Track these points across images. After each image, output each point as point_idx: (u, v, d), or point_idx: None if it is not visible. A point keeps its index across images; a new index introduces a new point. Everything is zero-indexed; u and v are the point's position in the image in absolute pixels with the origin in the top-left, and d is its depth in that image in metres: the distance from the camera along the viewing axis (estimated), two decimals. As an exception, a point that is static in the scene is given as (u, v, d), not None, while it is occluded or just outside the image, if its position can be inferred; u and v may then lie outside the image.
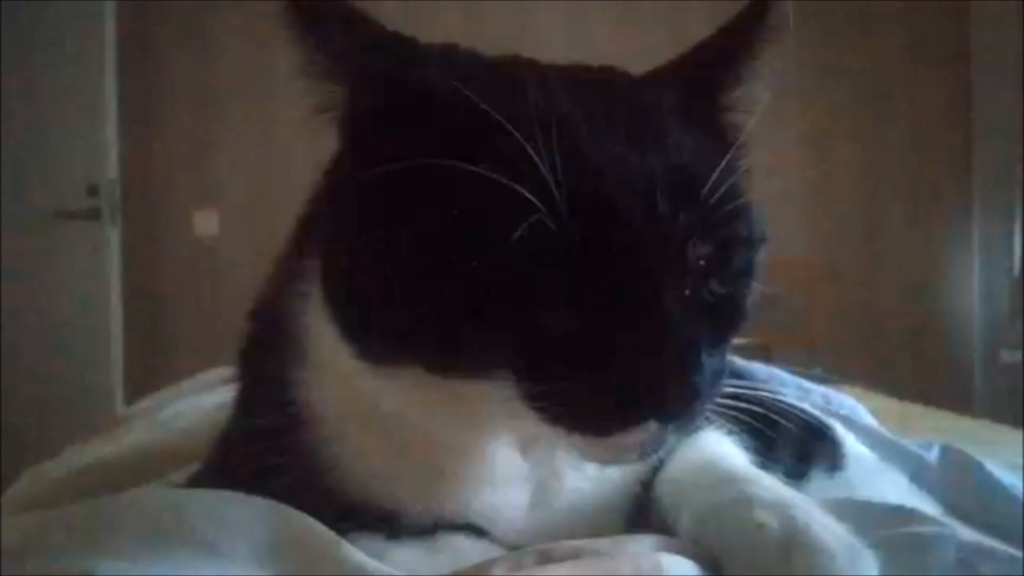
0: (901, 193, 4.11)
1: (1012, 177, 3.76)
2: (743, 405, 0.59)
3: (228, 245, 3.76)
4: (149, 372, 3.14)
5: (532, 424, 0.51)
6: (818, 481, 0.75)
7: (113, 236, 3.41)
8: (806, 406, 0.95)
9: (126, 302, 3.49)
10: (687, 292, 0.51)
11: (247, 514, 0.52)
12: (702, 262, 0.52)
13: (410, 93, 0.53)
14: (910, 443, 0.93)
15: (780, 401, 0.70)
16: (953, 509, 0.75)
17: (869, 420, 1.14)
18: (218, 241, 3.83)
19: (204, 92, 3.86)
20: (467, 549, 0.57)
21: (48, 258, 3.34)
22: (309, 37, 0.54)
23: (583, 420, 0.50)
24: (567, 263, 0.48)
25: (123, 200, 3.47)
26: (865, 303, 4.05)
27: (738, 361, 0.87)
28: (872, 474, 0.83)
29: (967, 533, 0.59)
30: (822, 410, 1.01)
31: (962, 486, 0.80)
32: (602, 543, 0.53)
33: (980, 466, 0.82)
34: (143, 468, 0.91)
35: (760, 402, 0.61)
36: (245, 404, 0.68)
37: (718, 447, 0.64)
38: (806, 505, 0.52)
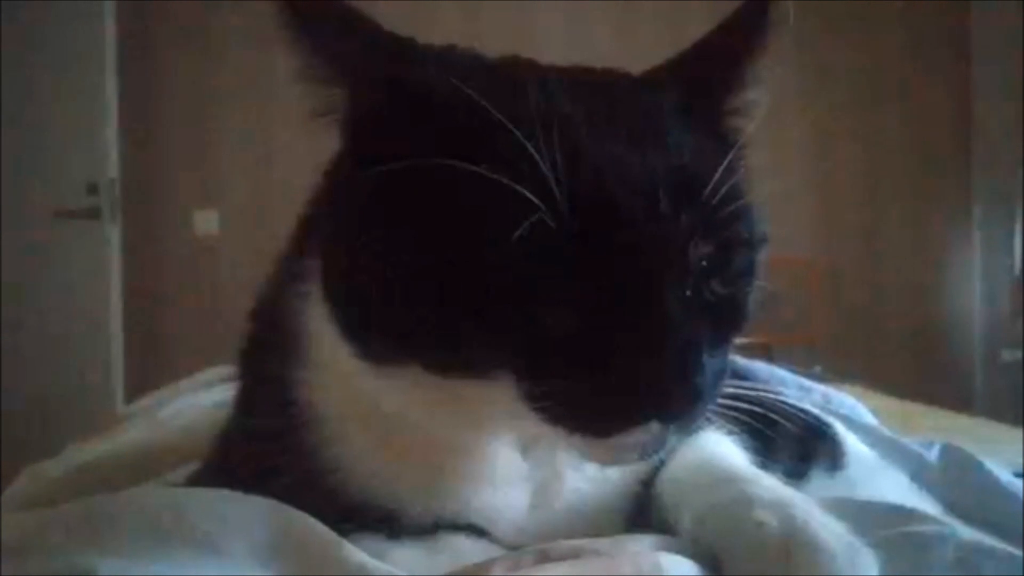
0: (901, 193, 4.11)
1: (1012, 177, 3.76)
2: (744, 406, 0.58)
3: (228, 245, 3.77)
4: (149, 371, 3.14)
5: (533, 424, 0.51)
6: (818, 480, 0.75)
7: (113, 235, 3.42)
8: (806, 405, 0.95)
9: (126, 301, 3.49)
10: (688, 293, 0.51)
11: (247, 513, 0.51)
12: (704, 263, 0.52)
13: (410, 94, 0.53)
14: (910, 442, 0.93)
15: (780, 401, 0.70)
16: (953, 508, 0.75)
17: (869, 419, 1.14)
18: (218, 240, 3.83)
19: (204, 92, 3.86)
20: (467, 549, 0.57)
21: (48, 257, 3.34)
22: (305, 39, 0.53)
23: (584, 421, 0.50)
24: (568, 263, 0.48)
25: (123, 199, 3.47)
26: (865, 302, 4.06)
27: (739, 360, 0.87)
28: (872, 473, 0.83)
29: (967, 532, 0.59)
30: (822, 409, 1.01)
31: (962, 485, 0.80)
32: (602, 543, 0.53)
33: (980, 465, 0.82)
34: (143, 467, 0.91)
35: (760, 402, 0.61)
36: (245, 404, 0.68)
37: (718, 447, 0.63)
38: (806, 504, 0.52)
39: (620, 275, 0.49)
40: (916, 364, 3.96)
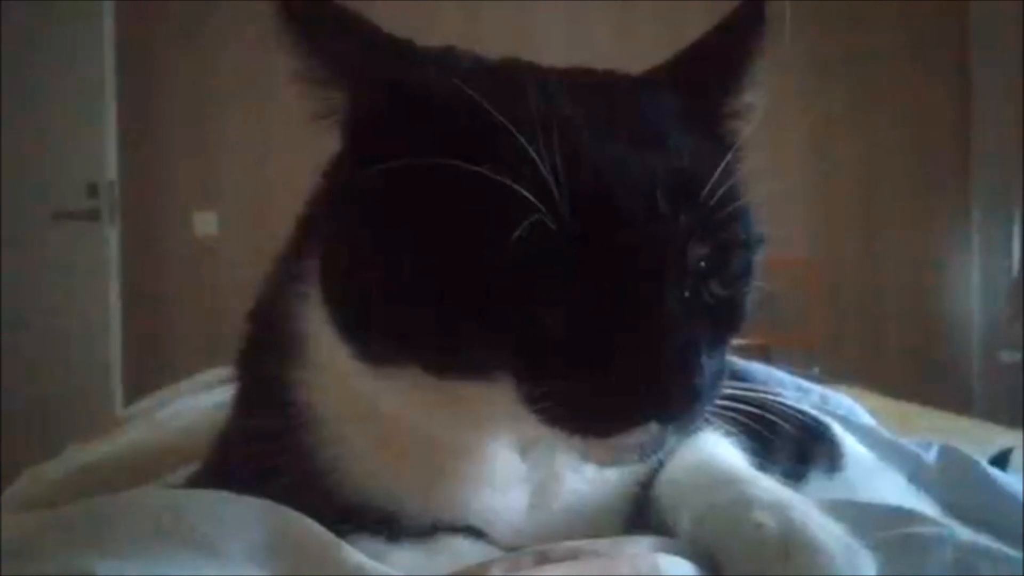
0: (900, 194, 4.11)
1: (1011, 178, 3.76)
2: (742, 407, 0.59)
3: (227, 246, 3.76)
4: (148, 372, 3.13)
5: (532, 426, 0.51)
6: (817, 482, 0.75)
7: (112, 237, 3.42)
8: (805, 407, 0.95)
9: (125, 302, 3.49)
10: (687, 294, 0.51)
11: (246, 515, 0.52)
12: (702, 263, 0.52)
13: (409, 95, 0.53)
14: (909, 443, 0.93)
15: (779, 402, 0.70)
16: (951, 509, 0.75)
17: (868, 420, 1.14)
18: (217, 242, 3.83)
19: (203, 93, 3.86)
20: (466, 550, 0.57)
21: (47, 259, 3.34)
22: (304, 41, 0.53)
23: (583, 421, 0.50)
24: (567, 264, 0.48)
25: (122, 201, 3.47)
26: (864, 304, 4.06)
27: (737, 362, 0.87)
28: (871, 474, 0.83)
29: (965, 533, 0.59)
30: (821, 411, 1.01)
31: (960, 486, 0.80)
32: (600, 544, 0.53)
33: (978, 466, 0.82)
34: (142, 468, 0.91)
35: (759, 403, 0.61)
36: (244, 405, 0.68)
37: (717, 448, 0.64)
38: (804, 506, 0.53)
39: (619, 276, 0.49)
40: (914, 365, 3.96)
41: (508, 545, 0.59)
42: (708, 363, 0.51)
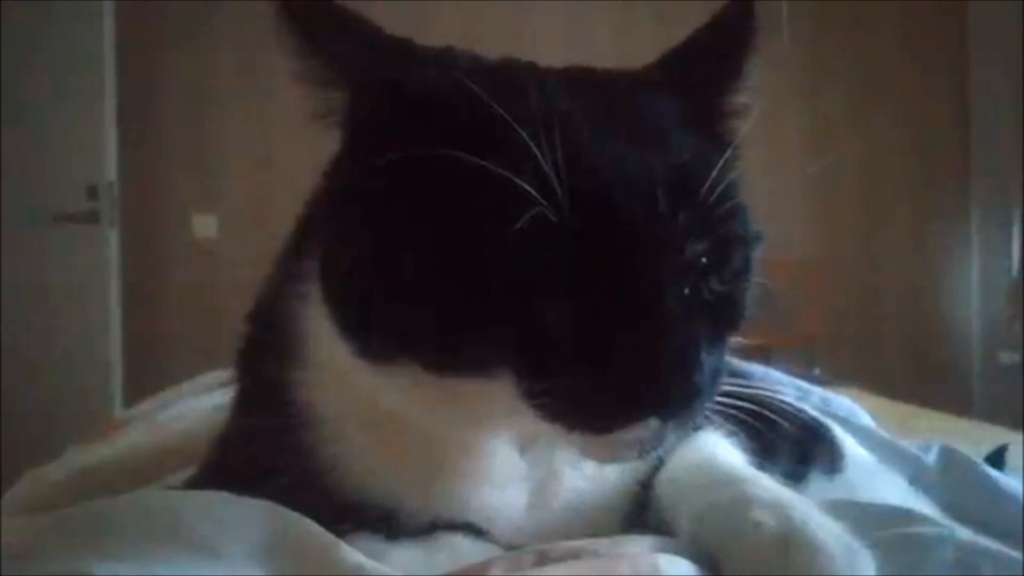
0: (900, 195, 4.11)
1: (1011, 179, 3.76)
2: (742, 404, 0.59)
3: (227, 247, 3.76)
4: (148, 374, 3.14)
5: (531, 422, 0.51)
6: (817, 483, 0.75)
7: (112, 239, 3.42)
8: (805, 408, 0.95)
9: (125, 304, 3.49)
10: (687, 291, 0.51)
11: (245, 516, 0.52)
12: (702, 260, 0.52)
13: (409, 94, 0.53)
14: (909, 445, 0.93)
15: (779, 403, 0.70)
16: (951, 510, 0.75)
17: (868, 422, 1.14)
18: (217, 243, 3.83)
19: (203, 95, 3.86)
20: (465, 549, 0.57)
21: (47, 260, 3.34)
22: (304, 41, 0.54)
23: (583, 418, 0.50)
24: (568, 260, 0.48)
25: (122, 203, 3.47)
26: (864, 305, 4.06)
27: (736, 363, 0.88)
28: (871, 476, 0.83)
29: (966, 533, 0.59)
30: (820, 412, 1.01)
31: (961, 487, 0.80)
32: (600, 543, 0.53)
33: (978, 467, 0.82)
34: (143, 470, 0.91)
35: (759, 401, 0.61)
36: (244, 405, 0.68)
37: (716, 448, 0.64)
38: (804, 505, 0.53)
39: (619, 273, 0.49)
40: (914, 366, 3.96)
41: (508, 543, 0.59)
42: (708, 360, 0.51)
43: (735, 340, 0.58)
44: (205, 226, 3.85)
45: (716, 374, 0.54)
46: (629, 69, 0.64)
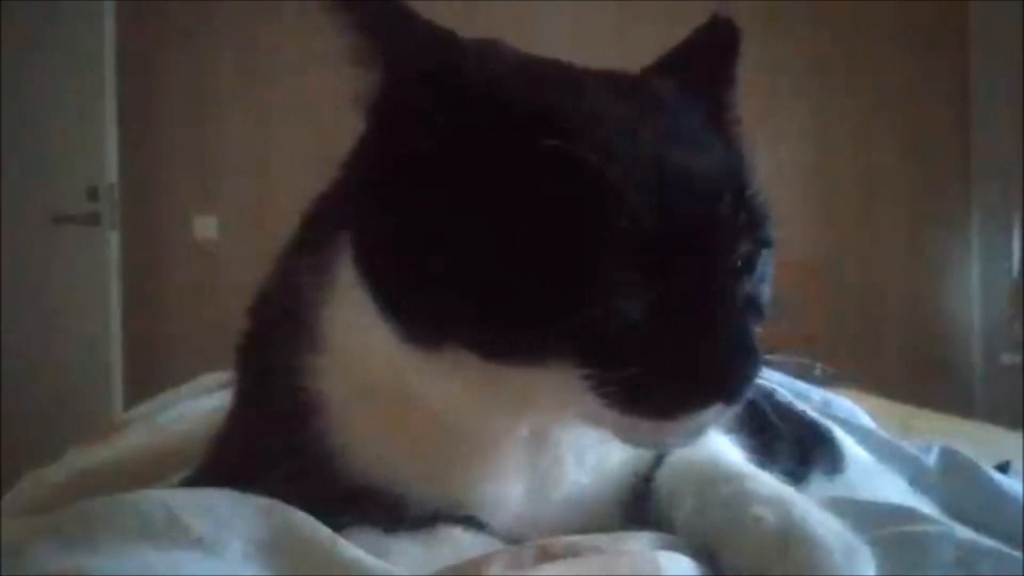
0: (900, 195, 4.11)
1: (1011, 180, 3.76)
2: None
3: (227, 249, 3.77)
4: (148, 376, 3.14)
5: (582, 409, 0.52)
6: (817, 484, 0.75)
7: (112, 240, 3.41)
8: (805, 409, 0.95)
9: (125, 306, 3.49)
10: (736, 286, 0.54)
11: (241, 513, 0.51)
12: (738, 262, 0.54)
13: (468, 83, 0.55)
14: (909, 446, 0.93)
15: (779, 403, 0.70)
16: (951, 511, 0.75)
17: (868, 423, 1.14)
18: (217, 245, 3.83)
19: (203, 94, 3.86)
20: (465, 542, 0.57)
21: (48, 262, 3.34)
22: (353, 19, 0.56)
23: (654, 405, 0.51)
24: (645, 253, 0.50)
25: (122, 204, 3.47)
26: (864, 306, 4.06)
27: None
28: (871, 476, 0.83)
29: (966, 533, 0.59)
30: (821, 413, 1.01)
31: (961, 488, 0.80)
32: (600, 539, 0.53)
33: (979, 468, 0.82)
34: (143, 472, 0.91)
35: (759, 402, 0.61)
36: (247, 396, 0.67)
37: (716, 444, 0.64)
38: (803, 501, 0.53)
39: (693, 267, 0.51)
40: (915, 367, 3.95)
41: (507, 534, 0.59)
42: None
43: None
44: (205, 227, 3.85)
45: None
46: (636, 73, 0.65)
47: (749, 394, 0.53)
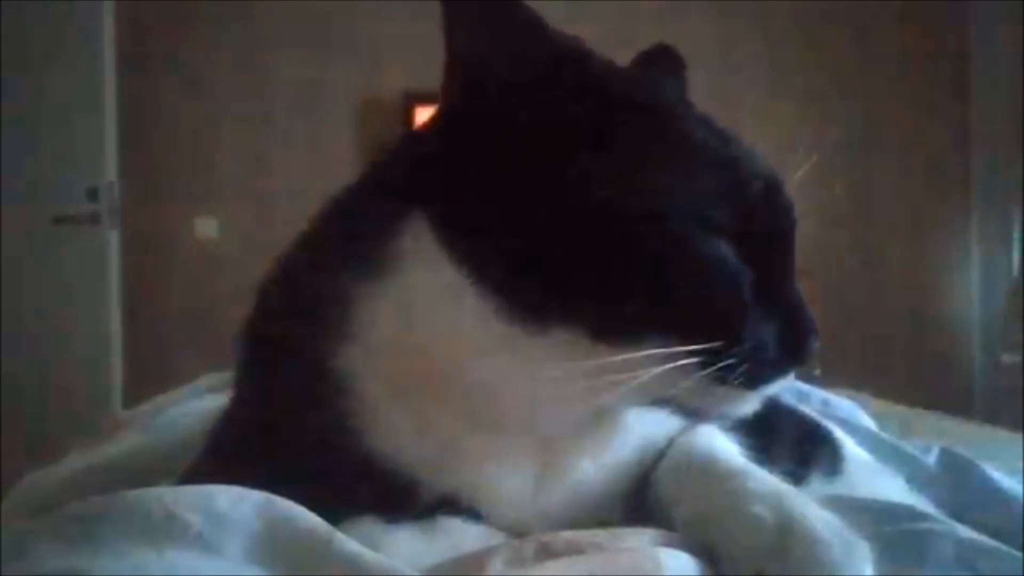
0: (901, 194, 4.11)
1: (1011, 179, 3.76)
2: None
3: (227, 250, 3.77)
4: (149, 376, 3.14)
5: (685, 385, 0.55)
6: (817, 484, 0.75)
7: (112, 240, 3.42)
8: (806, 410, 0.95)
9: (125, 306, 3.49)
10: None
11: (240, 509, 0.51)
12: None
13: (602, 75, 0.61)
14: (909, 446, 0.93)
15: (780, 404, 0.70)
16: (952, 511, 0.75)
17: (868, 423, 1.14)
18: (217, 246, 3.83)
19: (204, 95, 3.87)
20: (465, 533, 0.57)
21: (48, 262, 3.35)
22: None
23: (755, 374, 0.57)
24: (752, 238, 0.58)
25: (122, 204, 3.47)
26: (864, 305, 4.05)
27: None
28: (871, 477, 0.83)
29: (965, 531, 0.59)
30: (821, 413, 1.01)
31: (961, 489, 0.80)
32: (602, 536, 0.53)
33: (979, 469, 0.82)
34: (143, 472, 0.91)
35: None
36: (261, 374, 0.66)
37: (714, 442, 0.64)
38: (801, 498, 0.53)
39: (781, 250, 0.61)
40: (915, 367, 3.95)
41: (509, 525, 0.59)
42: None
43: None
44: (206, 227, 3.86)
45: None
46: None
47: None
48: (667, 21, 3.73)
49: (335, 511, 0.53)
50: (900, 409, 1.62)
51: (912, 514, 0.61)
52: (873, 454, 0.90)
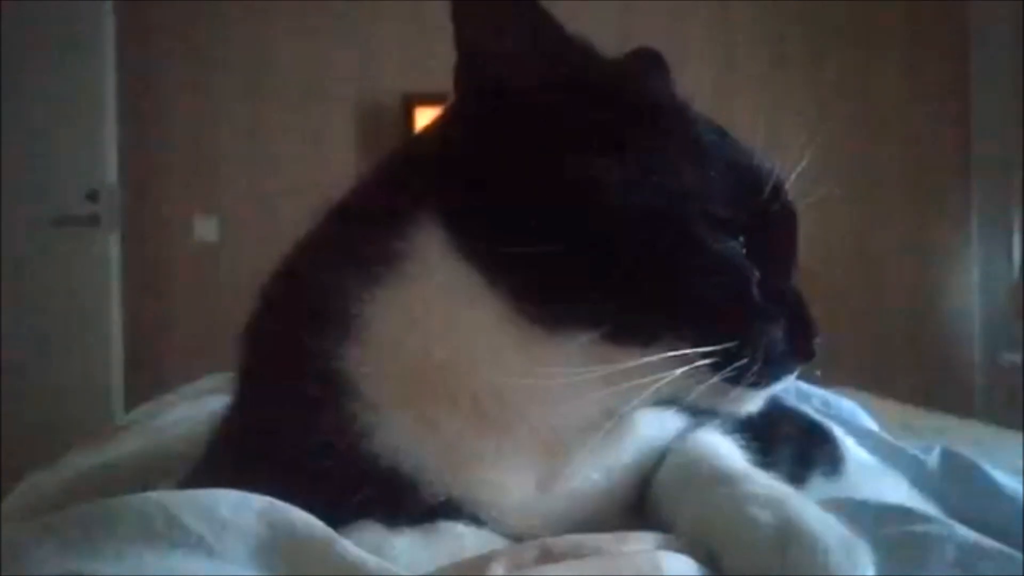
0: (901, 194, 4.11)
1: (1012, 179, 3.76)
2: None
3: (228, 251, 3.77)
4: (149, 378, 3.14)
5: (698, 385, 0.56)
6: (818, 485, 0.75)
7: (113, 241, 3.42)
8: (806, 410, 0.95)
9: (126, 307, 3.49)
10: None
11: (241, 514, 0.51)
12: None
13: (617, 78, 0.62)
14: (910, 446, 0.93)
15: (780, 404, 0.70)
16: (952, 512, 0.74)
17: (869, 423, 1.14)
18: (218, 246, 3.83)
19: (204, 96, 3.87)
20: (466, 538, 0.56)
21: (48, 264, 3.35)
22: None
23: (767, 374, 0.58)
24: (763, 240, 0.59)
25: (122, 205, 3.47)
26: (864, 305, 4.05)
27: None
28: (872, 478, 0.83)
29: (966, 533, 0.59)
30: (822, 413, 1.01)
31: (962, 489, 0.80)
32: (603, 540, 0.53)
33: (979, 469, 0.82)
34: (143, 475, 0.91)
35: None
36: (264, 375, 0.65)
37: (715, 446, 0.64)
38: (801, 501, 0.53)
39: (786, 250, 0.62)
40: (915, 367, 3.95)
41: (511, 530, 0.58)
42: None
43: None
44: (206, 228, 3.86)
45: None
46: None
47: None
48: (667, 21, 3.73)
49: (337, 515, 0.53)
50: (900, 409, 1.62)
51: (913, 516, 0.61)
52: (874, 454, 0.90)
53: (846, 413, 1.15)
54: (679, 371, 0.55)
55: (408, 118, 3.62)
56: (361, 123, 3.81)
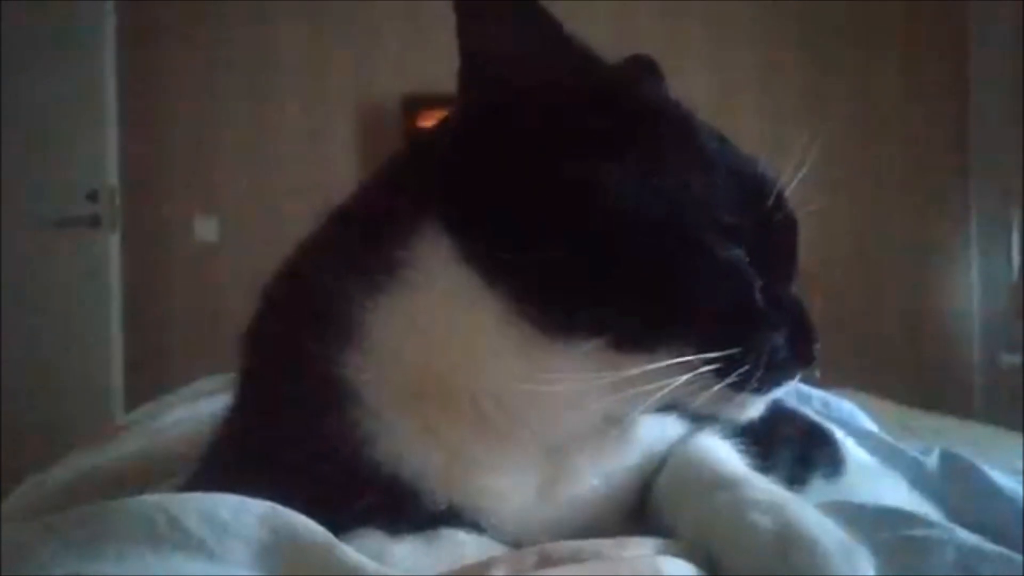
0: (901, 195, 4.11)
1: (1011, 179, 3.77)
2: None
3: (228, 251, 3.77)
4: (149, 379, 3.14)
5: (702, 391, 0.56)
6: (818, 487, 0.75)
7: (113, 242, 3.42)
8: (806, 411, 0.95)
9: (126, 308, 3.49)
10: None
11: (242, 517, 0.51)
12: None
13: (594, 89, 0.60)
14: (909, 447, 0.93)
15: (780, 406, 0.70)
16: (952, 513, 0.74)
17: (868, 424, 1.14)
18: (218, 246, 3.83)
19: (205, 97, 3.87)
20: (467, 545, 0.56)
21: (48, 264, 3.35)
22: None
23: (769, 379, 0.58)
24: (765, 247, 0.59)
25: (123, 206, 3.47)
26: (864, 306, 4.06)
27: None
28: (872, 479, 0.83)
29: (966, 535, 0.59)
30: (822, 415, 1.01)
31: (961, 490, 0.80)
32: (603, 544, 0.53)
33: (979, 470, 0.82)
34: (143, 475, 0.91)
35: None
36: (265, 381, 0.65)
37: (715, 450, 0.64)
38: (801, 505, 0.53)
39: (788, 256, 0.62)
40: (915, 368, 3.96)
41: (511, 537, 0.58)
42: None
43: None
44: (206, 228, 3.86)
45: None
46: None
47: None
48: (667, 22, 3.73)
49: (338, 521, 0.53)
50: (900, 409, 1.62)
51: (912, 519, 0.61)
52: (873, 455, 0.90)
53: (846, 414, 1.15)
54: (683, 378, 0.54)
55: (408, 119, 3.62)
56: (361, 124, 3.81)
